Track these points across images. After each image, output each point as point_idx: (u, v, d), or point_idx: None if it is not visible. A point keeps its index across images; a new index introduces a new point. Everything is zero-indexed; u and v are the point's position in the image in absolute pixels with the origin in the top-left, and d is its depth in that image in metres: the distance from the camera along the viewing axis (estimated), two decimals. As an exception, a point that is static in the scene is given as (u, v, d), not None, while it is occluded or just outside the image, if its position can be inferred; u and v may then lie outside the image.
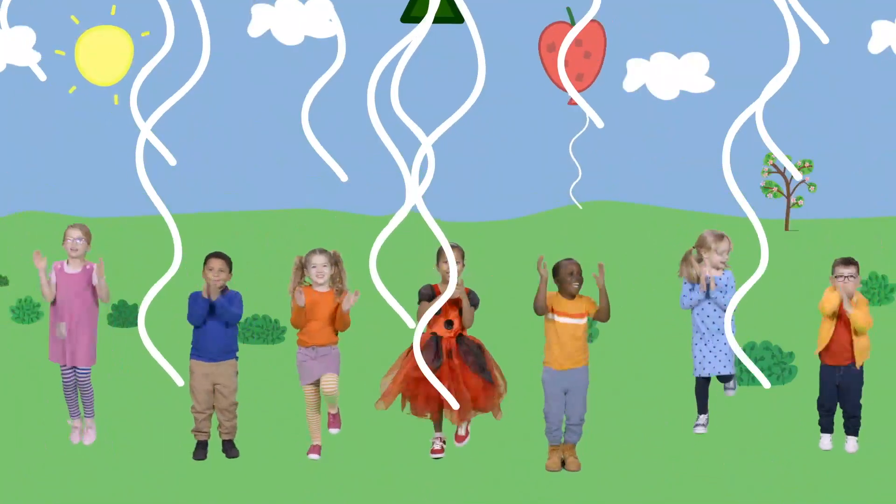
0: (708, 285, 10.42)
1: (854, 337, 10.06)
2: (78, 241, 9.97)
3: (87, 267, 10.02)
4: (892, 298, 17.73)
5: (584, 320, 9.68)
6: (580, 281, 9.66)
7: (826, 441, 10.29)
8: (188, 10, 9.66)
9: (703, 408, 10.77)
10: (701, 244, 10.57)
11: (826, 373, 10.21)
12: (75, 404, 10.16)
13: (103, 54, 10.43)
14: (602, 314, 9.73)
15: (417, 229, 11.02)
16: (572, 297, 9.66)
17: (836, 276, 10.02)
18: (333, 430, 10.07)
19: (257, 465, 9.74)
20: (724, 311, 10.36)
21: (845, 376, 10.12)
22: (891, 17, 10.80)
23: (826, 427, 10.33)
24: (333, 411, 10.07)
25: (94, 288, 10.01)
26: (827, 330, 10.12)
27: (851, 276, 9.98)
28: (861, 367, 10.14)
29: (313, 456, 9.88)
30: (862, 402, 10.16)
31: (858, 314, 9.96)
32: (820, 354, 10.20)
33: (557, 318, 9.64)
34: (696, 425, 10.75)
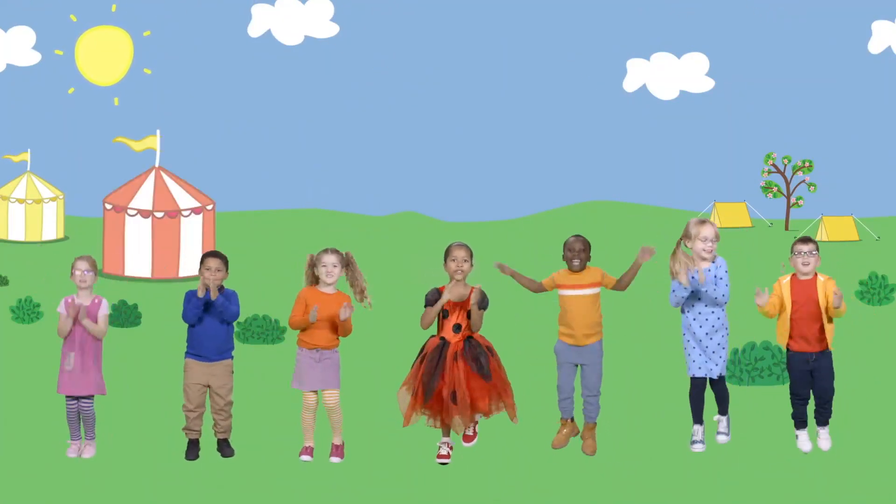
0: (694, 279, 9.64)
1: (826, 324, 9.77)
2: (87, 273, 9.92)
3: (96, 301, 9.98)
4: (892, 298, 17.72)
5: (590, 290, 9.77)
6: (581, 259, 9.79)
7: (804, 440, 10.00)
8: (188, 10, 9.67)
9: (698, 417, 10.06)
10: (685, 235, 9.76)
11: (796, 360, 9.90)
12: (77, 429, 10.07)
13: (103, 54, 10.42)
14: (621, 284, 9.82)
15: (417, 229, 11.01)
16: (576, 272, 9.80)
17: (795, 255, 9.80)
18: (335, 459, 9.88)
19: (254, 465, 9.73)
20: (719, 307, 9.77)
21: (818, 361, 9.86)
22: (891, 17, 10.82)
23: (800, 421, 10.02)
24: (337, 441, 9.98)
25: (100, 318, 9.94)
26: (784, 320, 9.85)
27: (811, 252, 9.78)
28: (830, 351, 9.89)
29: (305, 458, 9.86)
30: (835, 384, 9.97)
31: (843, 309, 9.74)
32: (788, 343, 9.91)
33: (563, 292, 9.86)
34: (693, 442, 10.05)
